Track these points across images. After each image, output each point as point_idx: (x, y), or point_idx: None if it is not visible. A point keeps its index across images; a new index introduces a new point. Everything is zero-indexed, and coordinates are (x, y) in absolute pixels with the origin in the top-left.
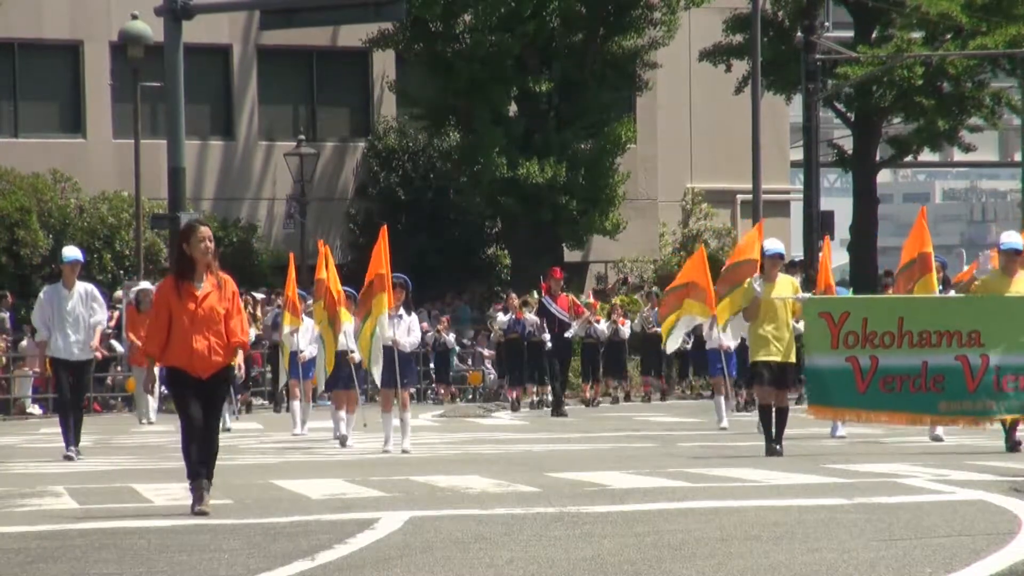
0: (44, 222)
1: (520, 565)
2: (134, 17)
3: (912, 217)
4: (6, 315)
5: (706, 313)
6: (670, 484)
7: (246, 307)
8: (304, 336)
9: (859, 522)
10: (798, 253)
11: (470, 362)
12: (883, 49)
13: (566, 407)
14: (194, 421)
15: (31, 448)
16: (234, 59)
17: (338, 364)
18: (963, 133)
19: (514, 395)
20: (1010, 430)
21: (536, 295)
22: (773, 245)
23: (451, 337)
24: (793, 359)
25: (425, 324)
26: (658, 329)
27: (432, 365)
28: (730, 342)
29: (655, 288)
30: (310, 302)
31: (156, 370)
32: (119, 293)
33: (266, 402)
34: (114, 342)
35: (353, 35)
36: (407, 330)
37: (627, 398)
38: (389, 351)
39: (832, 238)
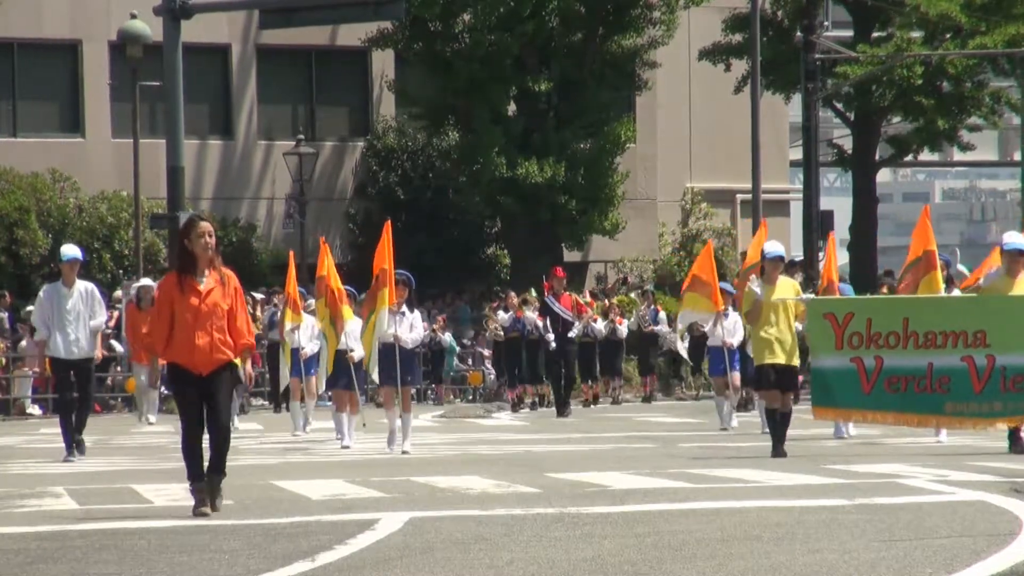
0: (43, 222)
1: (520, 566)
2: (133, 17)
3: (912, 217)
4: (4, 315)
5: (711, 309)
6: (671, 485)
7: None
8: (305, 333)
9: (860, 523)
10: (798, 253)
11: (470, 362)
12: (883, 49)
13: (570, 408)
14: (195, 419)
15: (31, 448)
16: (233, 58)
17: (338, 363)
18: (962, 133)
19: (514, 395)
20: (1016, 433)
21: (534, 293)
22: (773, 247)
23: (447, 337)
24: (796, 362)
25: (425, 323)
26: (655, 328)
27: (430, 366)
28: (732, 339)
29: (650, 287)
30: (311, 301)
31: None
32: (119, 293)
33: (266, 402)
34: (114, 342)
35: (352, 34)
36: (409, 327)
37: (616, 401)
38: (391, 348)
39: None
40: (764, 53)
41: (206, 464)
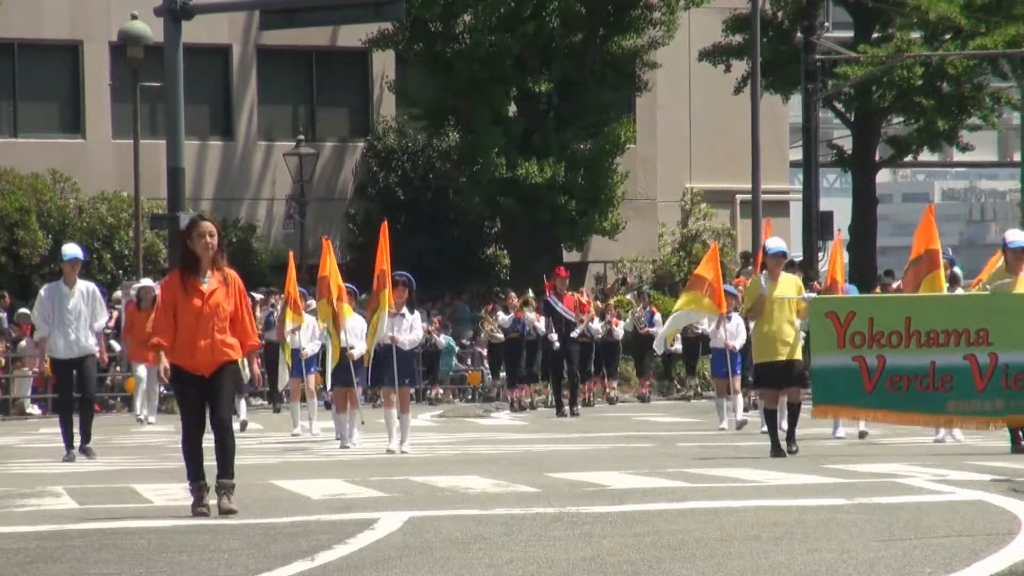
0: (43, 222)
1: (520, 565)
2: (134, 17)
3: (911, 217)
4: (3, 315)
5: (714, 311)
6: (670, 484)
7: None
8: (305, 333)
9: (859, 522)
10: (797, 253)
11: (469, 362)
12: (883, 49)
13: (567, 407)
14: (195, 419)
15: (31, 448)
16: (234, 59)
17: (338, 360)
18: (962, 133)
19: (514, 395)
20: (1018, 432)
21: (532, 293)
22: (776, 244)
23: (442, 338)
24: (799, 356)
25: (425, 324)
26: (651, 329)
27: (425, 367)
28: (735, 341)
29: (646, 288)
30: (311, 301)
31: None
32: (119, 293)
33: (265, 402)
34: (113, 342)
35: (353, 35)
36: (408, 328)
37: (612, 401)
38: (388, 349)
39: (832, 238)
40: (764, 54)
41: (209, 465)
